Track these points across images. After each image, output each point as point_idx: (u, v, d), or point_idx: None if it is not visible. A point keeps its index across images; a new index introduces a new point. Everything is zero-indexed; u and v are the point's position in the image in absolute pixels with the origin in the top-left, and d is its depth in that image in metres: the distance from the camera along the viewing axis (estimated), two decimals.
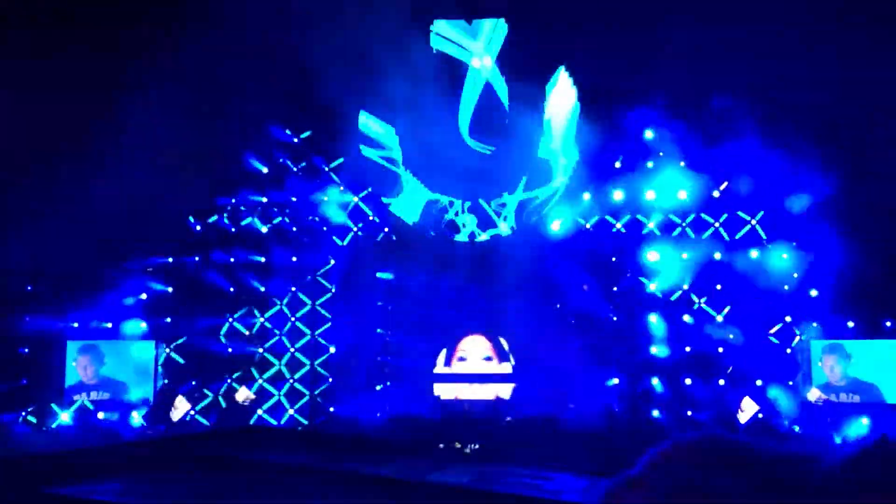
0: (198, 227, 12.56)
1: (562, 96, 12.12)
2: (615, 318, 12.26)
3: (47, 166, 11.13)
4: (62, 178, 11.12)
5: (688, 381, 11.90)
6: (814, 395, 11.04)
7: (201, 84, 11.13)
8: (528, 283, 12.11)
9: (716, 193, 12.31)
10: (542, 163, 12.39)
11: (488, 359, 12.31)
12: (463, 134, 12.33)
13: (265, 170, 12.71)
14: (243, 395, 11.88)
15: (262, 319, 12.51)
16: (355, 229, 12.79)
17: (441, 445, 10.55)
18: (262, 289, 12.55)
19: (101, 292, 11.99)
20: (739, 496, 0.87)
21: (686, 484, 0.88)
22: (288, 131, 12.75)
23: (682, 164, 12.28)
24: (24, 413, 11.55)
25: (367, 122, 12.29)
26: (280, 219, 12.74)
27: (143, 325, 12.18)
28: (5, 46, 10.48)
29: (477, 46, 12.18)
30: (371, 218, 12.78)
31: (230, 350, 12.29)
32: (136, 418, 11.49)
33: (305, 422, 12.29)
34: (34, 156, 11.25)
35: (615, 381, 11.97)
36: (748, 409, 11.29)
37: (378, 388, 12.49)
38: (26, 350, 11.91)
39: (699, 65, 11.03)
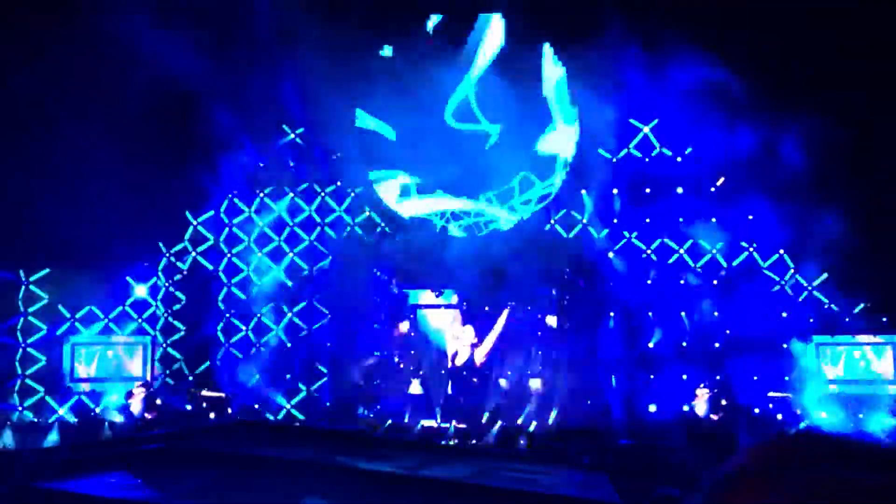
0: (195, 223, 12.53)
1: (557, 87, 12.21)
2: (612, 314, 12.28)
3: (47, 158, 11.08)
4: (60, 171, 11.08)
5: (684, 377, 11.92)
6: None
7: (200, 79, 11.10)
8: (526, 277, 12.13)
9: (712, 189, 12.33)
10: (543, 157, 12.41)
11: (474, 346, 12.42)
12: (448, 119, 12.33)
13: (261, 165, 12.70)
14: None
15: (258, 315, 12.50)
16: (352, 224, 12.78)
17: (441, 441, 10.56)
18: (260, 283, 12.54)
19: (101, 288, 11.98)
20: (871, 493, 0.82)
21: (815, 480, 0.83)
22: (284, 127, 12.74)
23: (679, 159, 12.28)
24: (21, 407, 11.53)
25: (364, 121, 12.31)
26: (276, 214, 12.72)
27: (140, 321, 12.19)
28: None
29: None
30: (367, 213, 12.77)
31: (226, 345, 12.31)
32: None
33: (302, 417, 12.28)
34: (32, 154, 11.21)
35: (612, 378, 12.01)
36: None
37: (376, 382, 12.51)
38: (24, 346, 11.90)
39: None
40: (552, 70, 12.33)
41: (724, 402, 11.01)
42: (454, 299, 12.64)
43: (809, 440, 0.91)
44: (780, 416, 11.26)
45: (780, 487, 0.85)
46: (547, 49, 12.32)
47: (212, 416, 11.55)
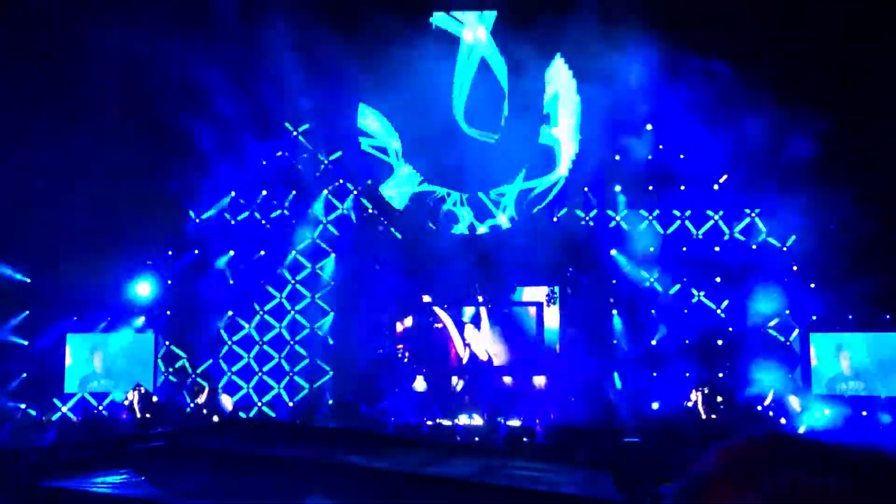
0: (197, 221, 12.53)
1: (559, 82, 12.16)
2: (615, 311, 12.27)
3: (49, 157, 11.09)
4: (63, 170, 11.09)
5: (687, 375, 11.91)
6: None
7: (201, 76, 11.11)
8: (528, 274, 12.14)
9: (715, 186, 12.30)
10: (544, 151, 12.39)
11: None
12: (459, 120, 12.28)
13: (264, 163, 12.68)
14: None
15: (261, 312, 12.50)
16: (353, 218, 12.76)
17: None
18: (261, 281, 12.53)
19: (102, 286, 12.00)
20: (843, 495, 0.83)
21: (779, 484, 0.84)
22: (287, 124, 12.71)
23: (682, 156, 12.26)
24: (24, 406, 11.55)
25: (367, 116, 12.29)
26: (279, 211, 12.69)
27: (143, 318, 12.19)
28: None
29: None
30: (370, 211, 12.75)
31: (229, 343, 12.32)
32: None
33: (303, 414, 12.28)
34: (35, 153, 11.23)
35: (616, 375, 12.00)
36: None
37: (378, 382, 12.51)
38: (26, 343, 11.93)
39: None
40: (554, 68, 12.29)
41: (720, 400, 11.02)
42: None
43: (776, 444, 0.92)
44: (779, 414, 11.26)
45: (746, 491, 0.86)
46: (549, 49, 12.27)
47: (214, 415, 11.57)
